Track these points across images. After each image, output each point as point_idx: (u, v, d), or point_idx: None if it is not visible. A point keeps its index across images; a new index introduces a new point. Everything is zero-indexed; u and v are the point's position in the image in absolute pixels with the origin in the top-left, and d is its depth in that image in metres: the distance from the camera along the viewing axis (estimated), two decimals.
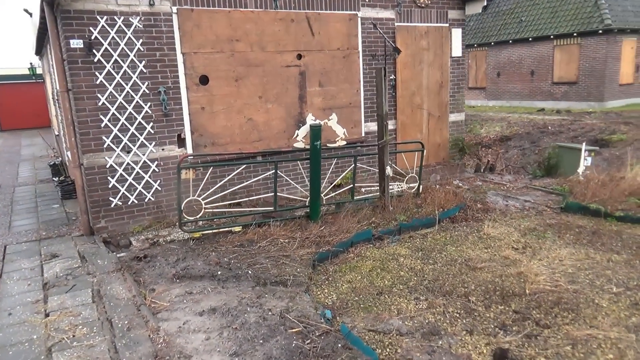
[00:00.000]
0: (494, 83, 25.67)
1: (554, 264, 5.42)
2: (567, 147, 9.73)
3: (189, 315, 4.41)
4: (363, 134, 9.02)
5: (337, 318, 4.44)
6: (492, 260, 5.58)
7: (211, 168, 6.56)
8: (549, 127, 16.89)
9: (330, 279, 5.32)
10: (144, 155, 7.06)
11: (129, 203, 7.06)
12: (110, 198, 6.92)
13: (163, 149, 7.22)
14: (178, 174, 6.04)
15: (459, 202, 7.54)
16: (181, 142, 7.38)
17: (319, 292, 5.00)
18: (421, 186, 8.04)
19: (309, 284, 5.07)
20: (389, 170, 7.36)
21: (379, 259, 5.80)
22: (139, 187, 7.09)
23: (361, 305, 4.68)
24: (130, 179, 6.99)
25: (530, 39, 23.75)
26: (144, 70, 6.92)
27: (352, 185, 7.43)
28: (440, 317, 4.39)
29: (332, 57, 8.45)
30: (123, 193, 6.98)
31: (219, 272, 5.23)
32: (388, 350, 3.90)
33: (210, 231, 6.47)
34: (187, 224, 6.68)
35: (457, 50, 9.91)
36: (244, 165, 7.50)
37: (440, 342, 3.97)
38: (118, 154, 6.87)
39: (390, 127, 9.36)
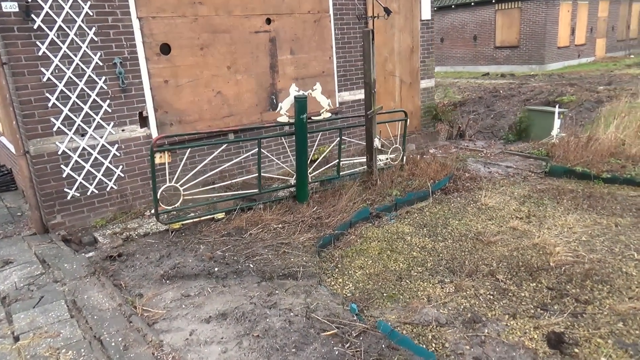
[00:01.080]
0: (438, 49, 25.74)
1: (565, 232, 5.25)
2: (538, 111, 9.72)
3: (193, 324, 3.78)
4: (337, 105, 8.47)
5: (365, 312, 3.98)
6: (502, 233, 5.32)
7: (188, 150, 5.79)
8: (500, 91, 17.11)
9: (339, 266, 4.84)
10: (101, 138, 6.12)
11: (88, 194, 6.15)
12: (66, 189, 5.97)
13: (123, 130, 6.31)
14: (152, 158, 5.23)
15: (447, 173, 7.26)
16: (143, 121, 6.50)
17: (333, 283, 4.51)
18: (405, 157, 7.67)
19: (320, 274, 4.56)
20: (377, 142, 6.91)
21: (384, 239, 5.38)
22: (99, 175, 6.17)
23: (384, 295, 4.25)
24: (87, 166, 6.05)
25: (472, 4, 23.89)
26: (95, 39, 5.92)
27: (337, 160, 6.91)
28: (474, 300, 4.05)
29: (303, 21, 7.75)
30: (80, 183, 6.04)
31: (216, 269, 4.58)
32: (434, 344, 3.50)
33: (191, 220, 5.74)
34: (163, 214, 5.91)
35: (426, 12, 9.49)
36: (224, 146, 6.74)
37: (486, 330, 3.63)
38: (71, 137, 5.90)
39: (362, 96, 8.85)
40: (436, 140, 9.85)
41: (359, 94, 8.76)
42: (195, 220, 5.78)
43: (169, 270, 4.59)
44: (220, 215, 5.91)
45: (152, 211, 6.44)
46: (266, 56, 7.44)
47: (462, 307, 3.96)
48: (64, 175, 5.92)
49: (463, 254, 4.91)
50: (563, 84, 17.74)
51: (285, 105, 6.09)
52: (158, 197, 5.41)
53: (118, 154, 6.29)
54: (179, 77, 6.64)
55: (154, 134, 6.55)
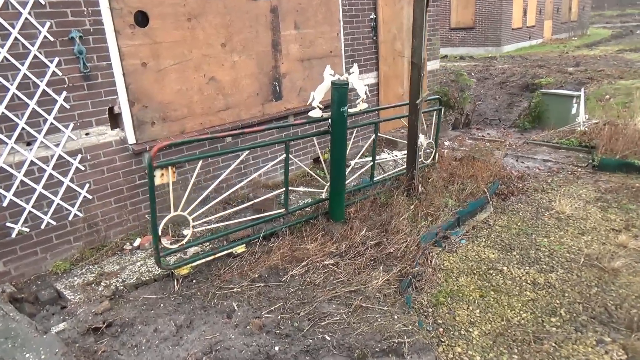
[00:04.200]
0: None
1: None
2: (554, 95, 8.79)
3: None
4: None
5: None
6: (618, 255, 4.17)
7: (200, 162, 4.05)
8: (472, 74, 16.29)
9: (440, 322, 3.44)
10: (57, 146, 4.26)
11: (42, 227, 4.28)
12: (8, 224, 4.07)
13: (88, 134, 4.47)
14: (150, 178, 3.51)
15: (493, 172, 6.05)
16: (115, 120, 4.68)
17: (452, 357, 3.11)
18: (437, 155, 6.37)
19: (433, 344, 3.14)
20: (422, 140, 5.54)
21: (472, 272, 4.06)
22: (56, 200, 4.32)
23: None
24: (39, 188, 4.18)
25: None
26: (41, 2, 4.02)
27: (372, 163, 5.46)
28: None
29: None
30: (30, 213, 4.17)
31: (277, 348, 3.02)
32: None
33: (203, 260, 4.08)
34: (166, 256, 4.19)
35: None
36: (246, 153, 5.03)
37: None
38: (12, 148, 4.00)
39: (372, 80, 7.44)
40: (446, 130, 8.65)
41: (368, 79, 7.33)
42: (208, 258, 4.12)
43: (202, 357, 2.97)
44: (240, 249, 4.29)
45: (135, 244, 4.69)
46: (267, 31, 5.78)
47: None
48: (5, 204, 4.02)
49: (592, 291, 3.69)
50: (529, 65, 17.28)
51: (319, 94, 4.58)
52: (159, 233, 3.69)
53: (82, 168, 4.45)
54: (160, 57, 4.86)
55: (130, 137, 4.76)
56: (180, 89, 5.07)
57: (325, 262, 4.03)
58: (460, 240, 4.62)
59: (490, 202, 5.40)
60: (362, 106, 4.98)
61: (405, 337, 3.07)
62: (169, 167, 3.59)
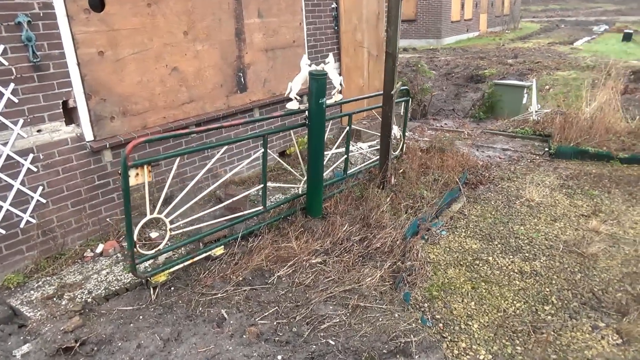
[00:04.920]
0: None
1: None
2: (506, 85, 9.04)
3: None
4: (308, 83, 6.78)
5: None
6: (592, 241, 4.29)
7: (177, 159, 3.68)
8: (419, 66, 16.56)
9: (438, 317, 3.37)
10: (4, 145, 3.78)
11: None
12: None
13: (40, 131, 4.00)
14: (125, 179, 3.16)
15: (458, 162, 6.10)
16: (70, 115, 4.23)
17: (458, 353, 3.03)
18: (404, 146, 6.35)
19: (440, 341, 3.06)
20: (395, 131, 5.46)
21: (459, 263, 4.03)
22: (5, 205, 3.84)
23: None
24: None
25: None
26: None
27: (346, 156, 5.33)
28: None
29: None
30: None
31: (279, 357, 2.82)
32: None
33: (181, 265, 3.77)
34: (141, 263, 3.82)
35: None
36: (224, 149, 4.69)
37: None
38: None
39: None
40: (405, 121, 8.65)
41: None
42: (187, 262, 3.81)
43: None
44: (218, 251, 4.02)
45: (98, 250, 4.29)
46: (230, 19, 5.47)
47: None
48: None
49: (577, 277, 3.77)
50: (470, 57, 17.84)
51: (296, 86, 4.35)
52: (135, 238, 3.35)
53: (34, 169, 3.99)
54: (119, 46, 4.44)
55: (88, 133, 4.33)
56: (141, 80, 4.67)
57: (313, 261, 3.85)
58: (441, 232, 4.60)
59: (463, 192, 5.43)
60: (337, 97, 4.82)
61: (412, 336, 2.97)
62: (145, 166, 3.26)
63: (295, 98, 4.42)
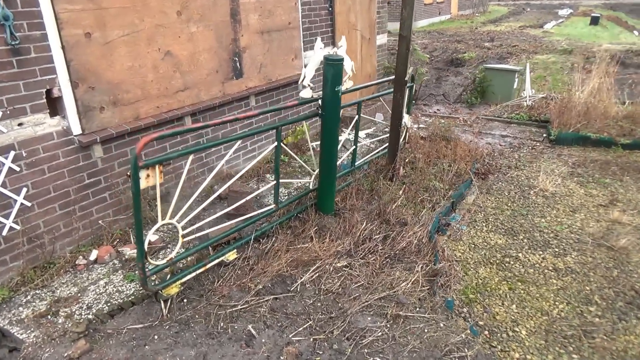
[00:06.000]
0: None
1: None
2: (497, 70, 8.85)
3: None
4: (303, 68, 6.39)
5: None
6: (616, 233, 4.15)
7: (190, 157, 3.23)
8: (396, 49, 16.24)
9: (481, 323, 3.12)
10: None
11: None
12: None
13: (21, 124, 3.49)
14: (135, 181, 2.73)
15: (465, 151, 5.88)
16: (55, 106, 3.73)
17: None
18: (407, 135, 6.07)
19: (494, 355, 2.81)
20: (406, 119, 5.16)
21: (487, 262, 3.81)
22: None
23: None
24: None
25: None
26: None
27: (354, 147, 5.01)
28: None
29: None
30: None
31: None
32: None
33: (193, 273, 3.38)
34: (152, 274, 3.39)
35: None
36: (239, 141, 4.26)
37: None
38: None
39: None
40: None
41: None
42: (199, 271, 3.43)
43: None
44: (231, 256, 3.65)
45: (92, 257, 3.84)
46: None
47: None
48: None
49: (614, 273, 3.61)
50: (447, 41, 17.72)
51: (310, 72, 3.95)
52: (145, 248, 2.93)
53: (17, 169, 3.49)
54: (107, 27, 3.94)
55: (75, 126, 3.84)
56: (132, 65, 4.18)
57: (337, 265, 3.54)
58: (461, 227, 4.36)
59: (475, 183, 5.22)
60: (349, 84, 4.46)
61: (466, 350, 2.72)
62: (157, 166, 2.84)
63: (309, 85, 4.04)
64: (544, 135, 6.89)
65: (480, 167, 5.64)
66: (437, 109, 8.60)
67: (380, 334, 2.86)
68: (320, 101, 4.05)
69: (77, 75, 3.78)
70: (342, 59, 3.90)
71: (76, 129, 3.85)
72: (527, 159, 6.01)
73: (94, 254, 3.89)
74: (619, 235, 4.08)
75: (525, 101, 7.99)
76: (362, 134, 6.67)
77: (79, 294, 3.43)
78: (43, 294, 3.43)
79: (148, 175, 2.83)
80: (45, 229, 3.75)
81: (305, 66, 4.14)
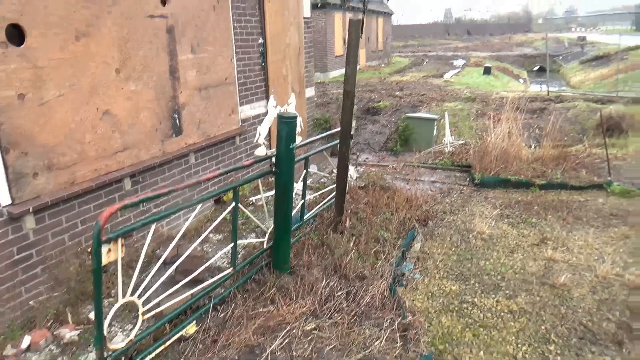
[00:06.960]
0: None
1: (605, 256, 4.73)
2: (417, 118, 9.41)
3: None
4: (240, 123, 6.36)
5: None
6: (554, 271, 4.48)
7: (153, 226, 2.93)
8: (315, 99, 16.78)
9: None
10: None
11: None
12: None
13: None
14: (96, 257, 2.47)
15: (401, 198, 6.11)
16: None
17: None
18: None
19: None
20: (352, 171, 5.25)
21: (447, 310, 3.90)
22: None
23: None
24: None
25: None
26: None
27: (302, 201, 4.99)
28: None
29: (200, 3, 5.40)
30: None
31: None
32: None
33: (153, 354, 3.07)
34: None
35: (307, 9, 8.11)
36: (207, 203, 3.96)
37: None
38: None
39: (262, 109, 6.94)
40: (326, 158, 8.55)
41: (259, 108, 6.83)
42: (158, 351, 3.13)
43: None
44: (192, 329, 3.39)
45: (24, 345, 3.39)
46: (165, 54, 4.89)
47: None
48: None
49: (562, 310, 3.86)
50: (361, 90, 18.59)
51: (264, 130, 3.91)
52: (105, 331, 2.63)
53: None
54: (44, 86, 3.66)
55: (4, 196, 3.46)
56: (69, 126, 3.89)
57: (306, 328, 3.43)
58: (414, 275, 4.46)
59: (419, 230, 5.40)
60: (298, 139, 4.48)
61: None
62: (119, 239, 2.60)
63: (264, 143, 4.00)
64: (468, 179, 7.37)
65: (419, 214, 5.86)
66: (367, 158, 8.92)
67: None
68: (274, 158, 4.02)
69: (8, 140, 3.43)
70: (296, 117, 3.93)
71: (5, 200, 3.46)
72: (459, 204, 6.37)
73: (26, 341, 3.42)
74: (556, 273, 4.40)
75: (447, 147, 8.54)
76: (298, 185, 6.70)
77: None
78: None
79: (109, 250, 2.58)
80: None
81: (259, 125, 4.08)
